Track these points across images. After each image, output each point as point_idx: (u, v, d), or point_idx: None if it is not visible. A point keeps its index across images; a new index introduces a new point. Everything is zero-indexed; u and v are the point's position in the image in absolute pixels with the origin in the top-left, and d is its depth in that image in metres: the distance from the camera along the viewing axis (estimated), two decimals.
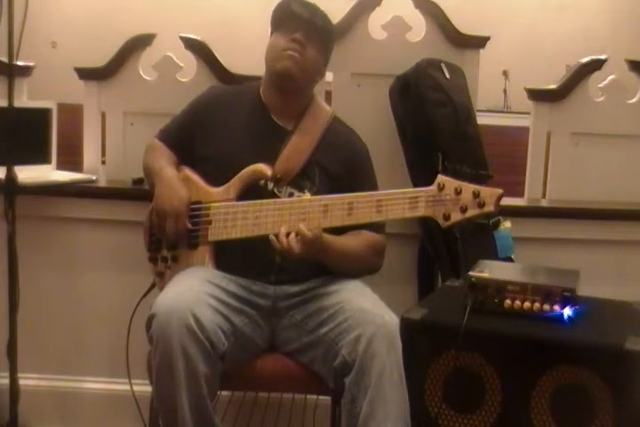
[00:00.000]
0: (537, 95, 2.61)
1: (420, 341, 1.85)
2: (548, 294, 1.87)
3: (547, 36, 6.07)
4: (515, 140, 3.15)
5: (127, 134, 2.55)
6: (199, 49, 2.53)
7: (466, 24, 2.49)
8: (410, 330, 1.84)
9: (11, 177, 2.08)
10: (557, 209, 2.54)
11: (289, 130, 2.05)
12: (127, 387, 2.16)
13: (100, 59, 2.53)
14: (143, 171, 2.18)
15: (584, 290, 1.95)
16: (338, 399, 1.83)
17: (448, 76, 2.37)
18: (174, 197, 1.99)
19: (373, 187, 2.05)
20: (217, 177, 2.01)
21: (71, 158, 2.66)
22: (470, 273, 1.95)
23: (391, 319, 1.79)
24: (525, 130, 2.68)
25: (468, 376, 1.83)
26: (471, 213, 1.75)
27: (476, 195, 1.74)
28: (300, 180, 2.00)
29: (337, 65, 2.34)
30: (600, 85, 2.60)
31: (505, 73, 5.77)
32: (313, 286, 1.96)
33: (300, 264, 1.93)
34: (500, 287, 1.90)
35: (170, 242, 2.02)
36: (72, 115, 2.68)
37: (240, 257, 1.97)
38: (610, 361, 1.72)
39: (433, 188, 1.77)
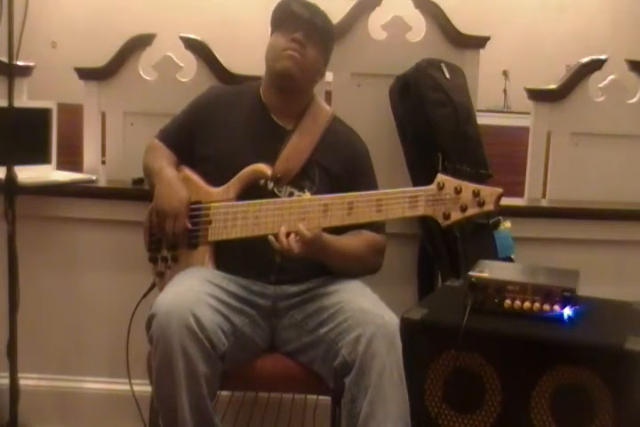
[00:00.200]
0: (537, 95, 2.61)
1: (420, 341, 1.85)
2: (547, 294, 1.87)
3: (547, 36, 6.07)
4: (515, 140, 3.14)
5: (127, 134, 2.55)
6: (199, 49, 2.53)
7: (466, 24, 2.49)
8: (410, 330, 1.83)
9: (11, 177, 2.08)
10: (557, 209, 2.54)
11: (289, 130, 2.05)
12: (127, 387, 2.16)
13: (100, 59, 2.53)
14: (143, 171, 2.18)
15: (584, 290, 1.95)
16: (338, 399, 1.83)
17: (448, 76, 2.37)
18: (174, 198, 1.99)
19: (373, 186, 2.05)
20: (217, 177, 2.01)
21: (71, 158, 2.66)
22: (470, 273, 1.95)
23: (391, 319, 1.79)
24: (525, 130, 2.68)
25: (468, 376, 1.83)
26: (471, 212, 1.75)
27: (475, 194, 1.74)
28: (300, 179, 2.00)
29: (337, 65, 2.34)
30: (600, 85, 2.60)
31: (505, 73, 5.77)
32: (313, 286, 1.96)
33: (300, 264, 1.93)
34: (500, 287, 1.90)
35: (170, 242, 2.02)
36: (72, 115, 2.68)
37: (240, 257, 1.97)
38: (610, 361, 1.72)
39: (433, 187, 1.77)
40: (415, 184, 2.31)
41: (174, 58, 2.54)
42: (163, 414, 1.78)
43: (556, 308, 1.86)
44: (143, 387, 2.01)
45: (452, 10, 2.50)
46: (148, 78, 2.55)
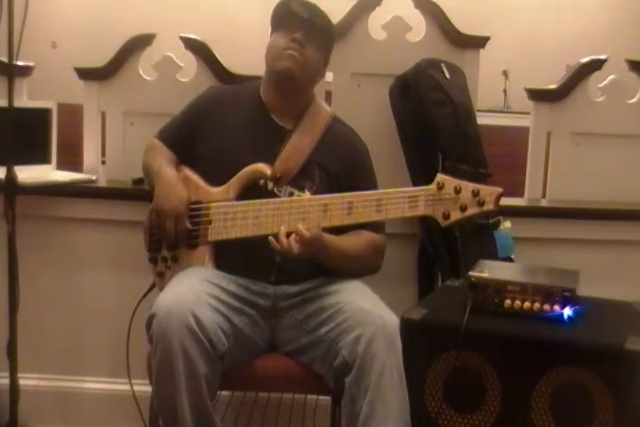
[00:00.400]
0: (537, 95, 2.61)
1: (420, 341, 1.85)
2: (548, 294, 1.87)
3: (547, 36, 6.06)
4: (515, 140, 3.14)
5: (127, 134, 2.55)
6: (199, 49, 2.53)
7: (466, 24, 2.49)
8: (410, 330, 1.83)
9: (11, 177, 2.08)
10: (557, 209, 2.54)
11: (289, 129, 2.05)
12: (127, 387, 2.16)
13: (100, 59, 2.53)
14: (143, 171, 2.18)
15: (584, 290, 1.95)
16: (338, 399, 1.83)
17: (448, 76, 2.37)
18: (174, 197, 1.99)
19: (373, 186, 2.05)
20: (217, 177, 2.01)
21: (71, 158, 2.66)
22: (470, 273, 1.95)
23: (391, 319, 1.79)
24: (525, 130, 2.68)
25: (468, 376, 1.83)
26: (471, 211, 1.75)
27: (475, 193, 1.74)
28: (300, 179, 2.00)
29: (337, 65, 2.34)
30: (600, 85, 2.60)
31: (505, 73, 5.77)
32: (313, 286, 1.96)
33: (300, 264, 1.93)
34: (500, 287, 1.90)
35: (170, 242, 2.01)
36: (72, 115, 2.68)
37: (240, 257, 1.97)
38: (610, 361, 1.72)
39: (432, 187, 1.77)
40: (415, 184, 2.31)
41: (174, 58, 2.54)
42: (163, 414, 1.78)
43: (556, 308, 1.86)
44: (143, 387, 2.01)
45: (452, 10, 2.50)
46: (147, 78, 2.55)
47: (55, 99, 2.53)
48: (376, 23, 2.50)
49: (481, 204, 1.74)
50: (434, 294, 2.25)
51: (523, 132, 2.73)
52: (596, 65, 2.58)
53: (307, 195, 1.93)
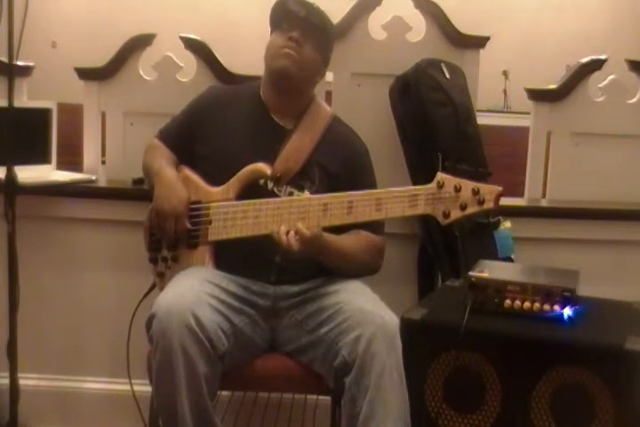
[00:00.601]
0: (537, 95, 2.61)
1: (420, 341, 1.85)
2: (548, 294, 1.87)
3: (547, 36, 6.06)
4: (515, 140, 3.14)
5: (127, 134, 2.55)
6: (199, 49, 2.53)
7: (466, 24, 2.49)
8: (410, 330, 1.84)
9: (11, 177, 2.08)
10: (557, 209, 2.54)
11: (289, 129, 2.05)
12: (127, 387, 2.16)
13: (100, 59, 2.53)
14: (142, 171, 2.18)
15: (584, 290, 1.95)
16: (338, 399, 1.83)
17: (448, 76, 2.37)
18: (174, 197, 1.99)
19: (373, 186, 2.05)
20: (217, 177, 2.01)
21: (71, 158, 2.66)
22: (470, 273, 1.95)
23: (391, 319, 1.79)
24: (525, 130, 2.68)
25: (468, 376, 1.83)
26: (471, 210, 1.75)
27: (475, 192, 1.74)
28: (300, 179, 2.00)
29: (337, 65, 2.34)
30: (600, 85, 2.60)
31: (505, 73, 5.76)
32: (313, 286, 1.96)
33: (300, 264, 1.93)
34: (500, 287, 1.90)
35: (170, 242, 2.01)
36: (72, 115, 2.68)
37: (240, 257, 1.97)
38: (610, 361, 1.72)
39: (432, 185, 1.77)
40: (415, 184, 2.30)
41: (174, 58, 2.54)
42: (163, 413, 1.78)
43: (556, 308, 1.86)
44: (143, 387, 2.01)
45: (452, 10, 2.50)
46: (147, 78, 2.55)
47: (55, 99, 2.53)
48: (376, 23, 2.50)
49: (481, 202, 1.74)
50: (434, 294, 2.25)
51: (523, 132, 2.73)
52: (596, 65, 2.58)
53: (306, 195, 1.93)
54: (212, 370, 1.73)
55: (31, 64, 2.58)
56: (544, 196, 2.64)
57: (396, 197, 1.81)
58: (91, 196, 2.46)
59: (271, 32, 2.05)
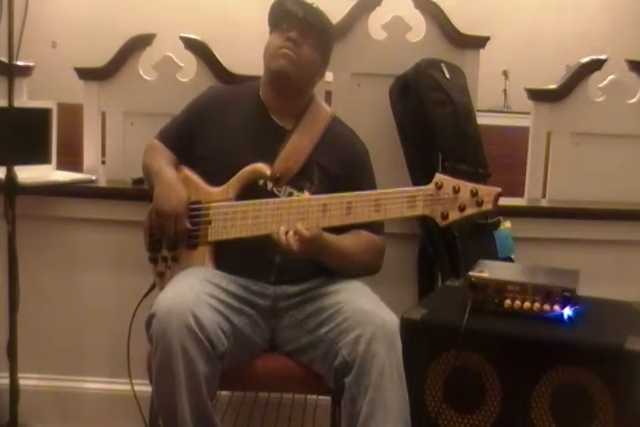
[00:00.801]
0: (537, 95, 2.61)
1: (419, 341, 1.85)
2: (548, 294, 1.87)
3: (547, 36, 6.06)
4: (515, 140, 3.14)
5: (127, 134, 2.55)
6: (199, 49, 2.53)
7: (466, 24, 2.49)
8: (410, 330, 1.84)
9: (11, 177, 2.08)
10: (557, 209, 2.54)
11: (288, 129, 2.05)
12: (127, 387, 2.16)
13: (100, 59, 2.53)
14: (142, 171, 2.18)
15: (584, 290, 1.95)
16: (338, 399, 1.83)
17: (448, 76, 2.37)
18: (173, 198, 1.99)
19: (372, 186, 2.05)
20: (216, 177, 2.01)
21: (71, 158, 2.66)
22: (470, 273, 1.95)
23: (391, 319, 1.79)
24: (525, 130, 2.68)
25: (468, 376, 1.83)
26: (469, 211, 1.75)
27: (474, 193, 1.74)
28: (300, 179, 2.00)
29: (337, 65, 2.34)
30: (600, 85, 2.60)
31: (505, 73, 5.76)
32: (313, 286, 1.96)
33: (300, 264, 1.93)
34: (500, 287, 1.90)
35: (170, 242, 2.01)
36: (72, 115, 2.68)
37: (240, 257, 1.97)
38: (610, 361, 1.72)
39: (431, 186, 1.77)
40: (415, 184, 2.31)
41: (174, 58, 2.54)
42: (162, 413, 1.78)
43: (556, 308, 1.86)
44: (143, 387, 2.01)
45: (452, 10, 2.50)
46: (147, 78, 2.55)
47: (55, 99, 2.53)
48: (376, 23, 2.50)
49: (479, 203, 1.74)
50: (434, 294, 2.25)
51: (523, 132, 2.73)
52: (596, 65, 2.58)
53: (306, 195, 1.93)
54: (212, 370, 1.73)
55: (31, 64, 2.58)
56: (544, 196, 2.64)
57: (394, 198, 1.81)
58: (91, 196, 2.46)
59: (270, 32, 2.05)
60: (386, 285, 2.07)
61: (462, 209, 1.75)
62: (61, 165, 2.54)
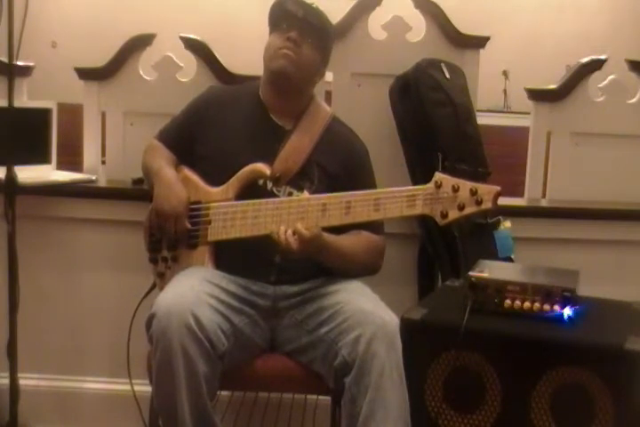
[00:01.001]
0: (537, 95, 2.61)
1: (419, 341, 1.85)
2: (548, 294, 1.87)
3: (547, 36, 6.06)
4: (515, 140, 3.14)
5: (127, 134, 2.55)
6: (199, 49, 2.53)
7: (466, 24, 2.49)
8: (410, 330, 1.84)
9: (11, 177, 2.08)
10: (557, 209, 2.54)
11: (288, 129, 2.05)
12: (127, 387, 2.16)
13: (100, 59, 2.53)
14: (142, 171, 2.18)
15: (584, 290, 1.95)
16: (338, 399, 1.83)
17: (448, 76, 2.37)
18: (173, 198, 1.99)
19: (372, 186, 2.05)
20: (216, 177, 2.01)
21: (71, 158, 2.66)
22: (470, 273, 1.95)
23: (391, 319, 1.79)
24: (525, 130, 2.68)
25: (468, 376, 1.83)
26: (469, 210, 1.75)
27: (473, 192, 1.74)
28: (299, 179, 2.00)
29: (337, 65, 2.34)
30: (600, 85, 2.60)
31: (505, 73, 5.76)
32: (313, 287, 1.96)
33: (300, 264, 1.93)
34: (500, 287, 1.90)
35: (170, 242, 2.02)
36: (72, 115, 2.68)
37: (240, 257, 1.97)
38: (610, 361, 1.72)
39: (430, 185, 1.77)
40: (415, 184, 2.30)
41: (174, 58, 2.54)
42: (162, 413, 1.78)
43: (556, 308, 1.86)
44: (143, 387, 2.01)
45: (452, 10, 2.50)
46: (147, 78, 2.55)
47: (55, 99, 2.53)
48: (376, 23, 2.50)
49: (479, 202, 1.74)
50: (434, 294, 2.25)
51: (523, 132, 2.73)
52: (596, 65, 2.58)
53: (306, 195, 1.93)
54: (212, 370, 1.73)
55: (31, 64, 2.58)
56: (544, 196, 2.64)
57: (393, 198, 1.81)
58: (91, 196, 2.46)
59: (270, 32, 2.05)
60: (386, 285, 2.07)
61: (462, 208, 1.75)
62: (61, 165, 2.54)
